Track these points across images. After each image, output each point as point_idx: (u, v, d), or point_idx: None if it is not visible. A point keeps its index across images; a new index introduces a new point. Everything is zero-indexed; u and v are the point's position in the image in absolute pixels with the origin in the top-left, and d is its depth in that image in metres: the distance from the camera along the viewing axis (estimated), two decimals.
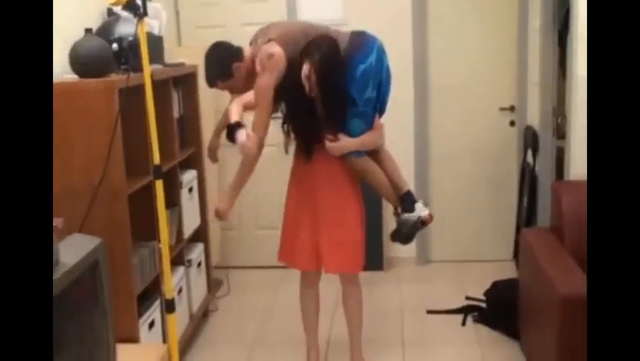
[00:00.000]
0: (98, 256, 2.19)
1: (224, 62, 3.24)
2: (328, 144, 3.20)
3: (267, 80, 3.11)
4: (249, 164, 3.21)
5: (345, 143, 3.19)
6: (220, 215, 3.25)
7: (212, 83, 3.31)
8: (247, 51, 3.28)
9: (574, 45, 3.61)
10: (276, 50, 3.09)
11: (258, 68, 3.15)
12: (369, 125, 3.23)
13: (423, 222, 3.38)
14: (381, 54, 3.19)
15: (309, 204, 3.35)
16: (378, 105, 3.26)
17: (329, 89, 3.09)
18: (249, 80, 3.30)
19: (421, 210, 3.36)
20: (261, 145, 3.18)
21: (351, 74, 3.11)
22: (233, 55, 3.26)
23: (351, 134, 3.19)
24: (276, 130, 3.38)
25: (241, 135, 3.14)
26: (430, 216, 3.39)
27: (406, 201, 3.37)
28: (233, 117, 3.24)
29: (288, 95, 3.19)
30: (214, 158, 3.69)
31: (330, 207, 3.33)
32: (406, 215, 3.36)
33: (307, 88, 3.09)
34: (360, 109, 3.15)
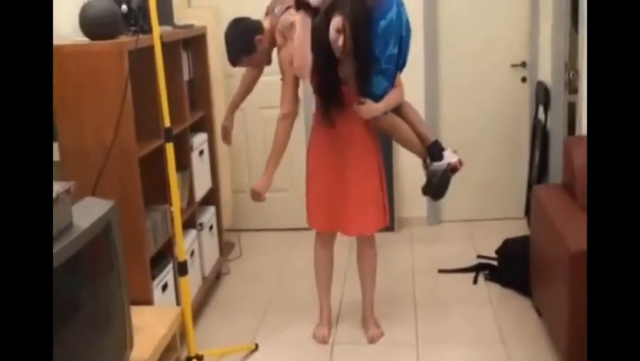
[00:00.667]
0: (111, 218, 2.21)
1: (245, 37, 3.25)
2: (356, 107, 3.17)
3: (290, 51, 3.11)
4: (281, 143, 3.23)
5: (372, 106, 3.15)
6: (256, 196, 3.28)
7: (235, 60, 3.32)
8: (265, 22, 3.27)
9: None
10: (296, 18, 3.07)
11: (279, 39, 3.14)
12: (391, 82, 3.18)
13: (453, 169, 3.34)
14: (400, 8, 3.10)
15: (334, 167, 3.34)
16: (400, 61, 3.21)
17: (362, 41, 3.02)
18: (268, 51, 3.30)
19: (449, 157, 3.33)
20: (293, 117, 3.23)
21: (372, 31, 3.04)
22: (254, 28, 3.25)
23: (375, 92, 3.14)
24: None
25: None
26: (460, 163, 3.34)
27: (434, 150, 3.33)
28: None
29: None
30: (228, 139, 3.66)
31: (355, 169, 3.32)
32: (435, 164, 3.33)
33: (340, 42, 3.03)
34: (382, 66, 3.09)
